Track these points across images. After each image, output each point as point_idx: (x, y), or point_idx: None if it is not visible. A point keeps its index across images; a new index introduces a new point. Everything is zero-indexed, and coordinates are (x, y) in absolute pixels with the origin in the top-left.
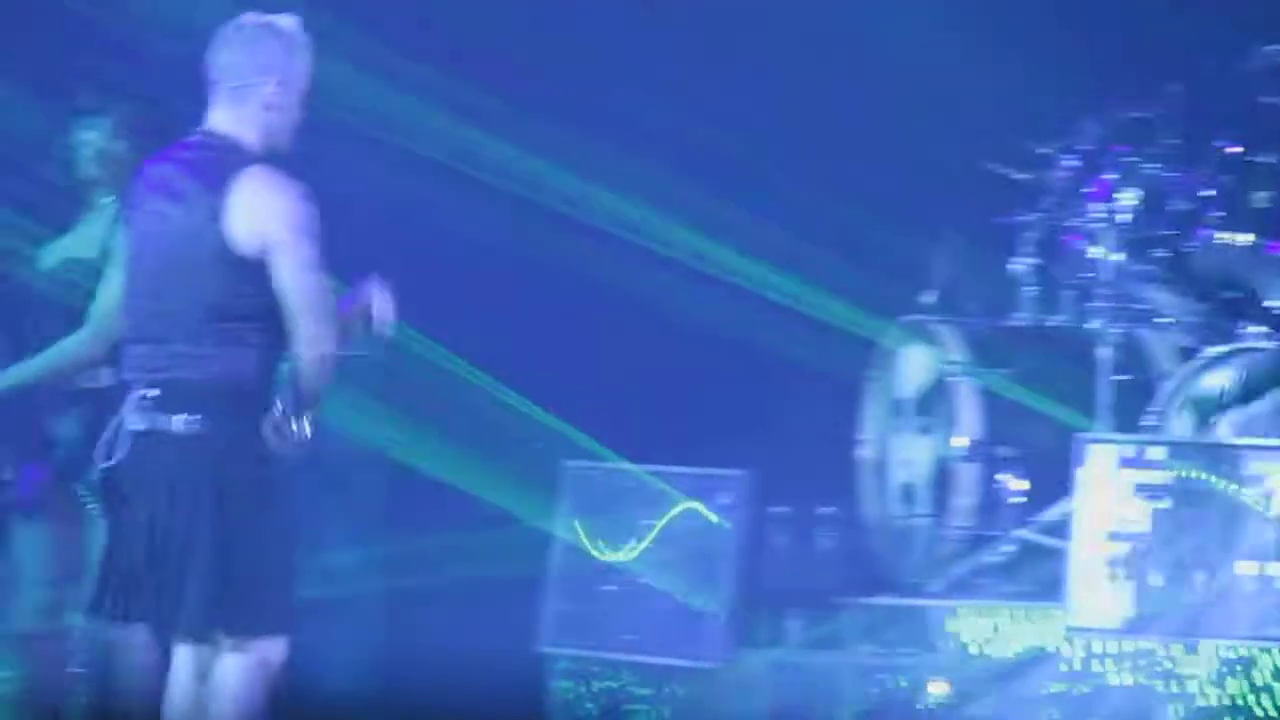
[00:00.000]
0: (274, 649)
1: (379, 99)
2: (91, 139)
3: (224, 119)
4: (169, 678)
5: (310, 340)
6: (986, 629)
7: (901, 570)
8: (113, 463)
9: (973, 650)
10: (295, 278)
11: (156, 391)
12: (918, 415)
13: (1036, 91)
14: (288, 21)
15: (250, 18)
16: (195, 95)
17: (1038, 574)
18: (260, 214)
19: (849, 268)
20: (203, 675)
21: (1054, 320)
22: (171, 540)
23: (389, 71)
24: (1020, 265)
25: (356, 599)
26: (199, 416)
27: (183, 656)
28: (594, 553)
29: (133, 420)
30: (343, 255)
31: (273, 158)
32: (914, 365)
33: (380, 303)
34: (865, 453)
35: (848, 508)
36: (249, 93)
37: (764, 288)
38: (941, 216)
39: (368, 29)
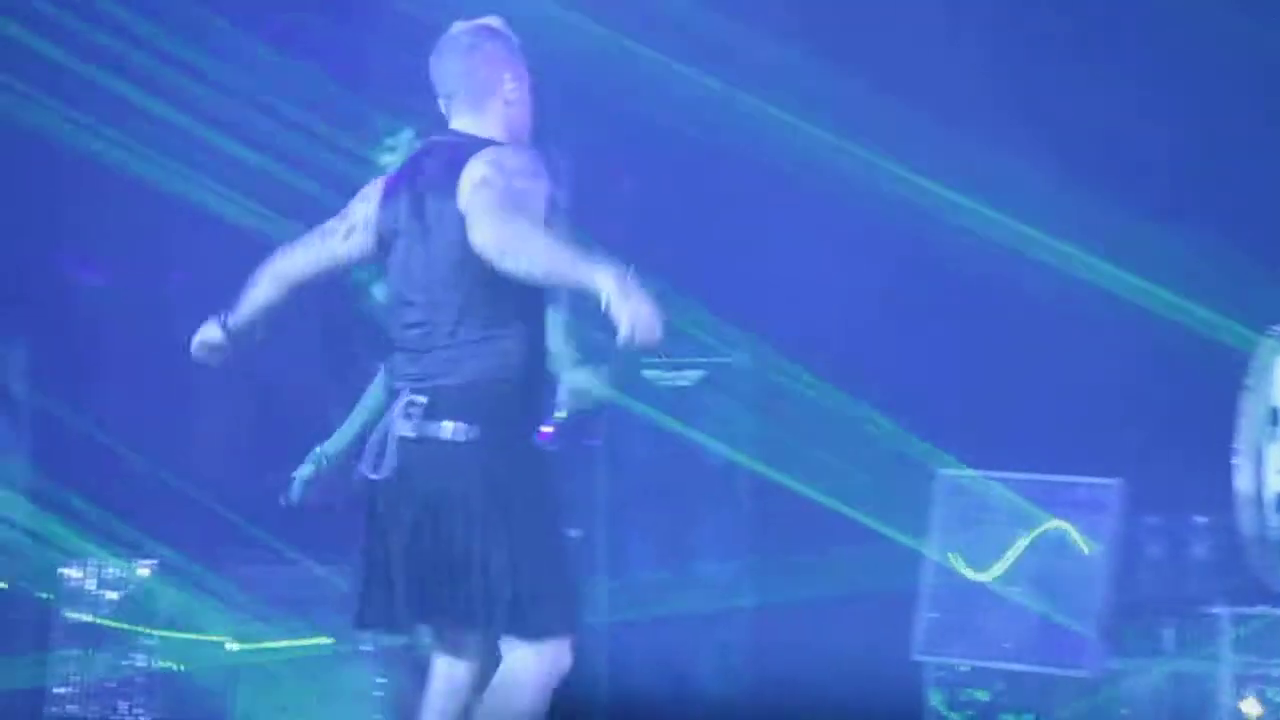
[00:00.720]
0: (564, 651)
1: (749, 109)
2: (393, 159)
3: (467, 123)
4: (432, 687)
5: (496, 242)
6: None
7: (1278, 580)
8: (383, 474)
9: None
10: (482, 207)
11: (424, 399)
12: None
13: None
14: (497, 22)
15: (463, 25)
16: None
17: None
18: (472, 177)
19: (1227, 276)
20: (466, 684)
21: None
22: (454, 548)
23: (770, 83)
24: None
25: (729, 611)
26: (466, 423)
27: (449, 666)
28: (962, 570)
29: (401, 428)
30: (709, 272)
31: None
32: None
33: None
34: (1241, 463)
35: (1223, 517)
36: (487, 93)
37: (1140, 296)
38: None
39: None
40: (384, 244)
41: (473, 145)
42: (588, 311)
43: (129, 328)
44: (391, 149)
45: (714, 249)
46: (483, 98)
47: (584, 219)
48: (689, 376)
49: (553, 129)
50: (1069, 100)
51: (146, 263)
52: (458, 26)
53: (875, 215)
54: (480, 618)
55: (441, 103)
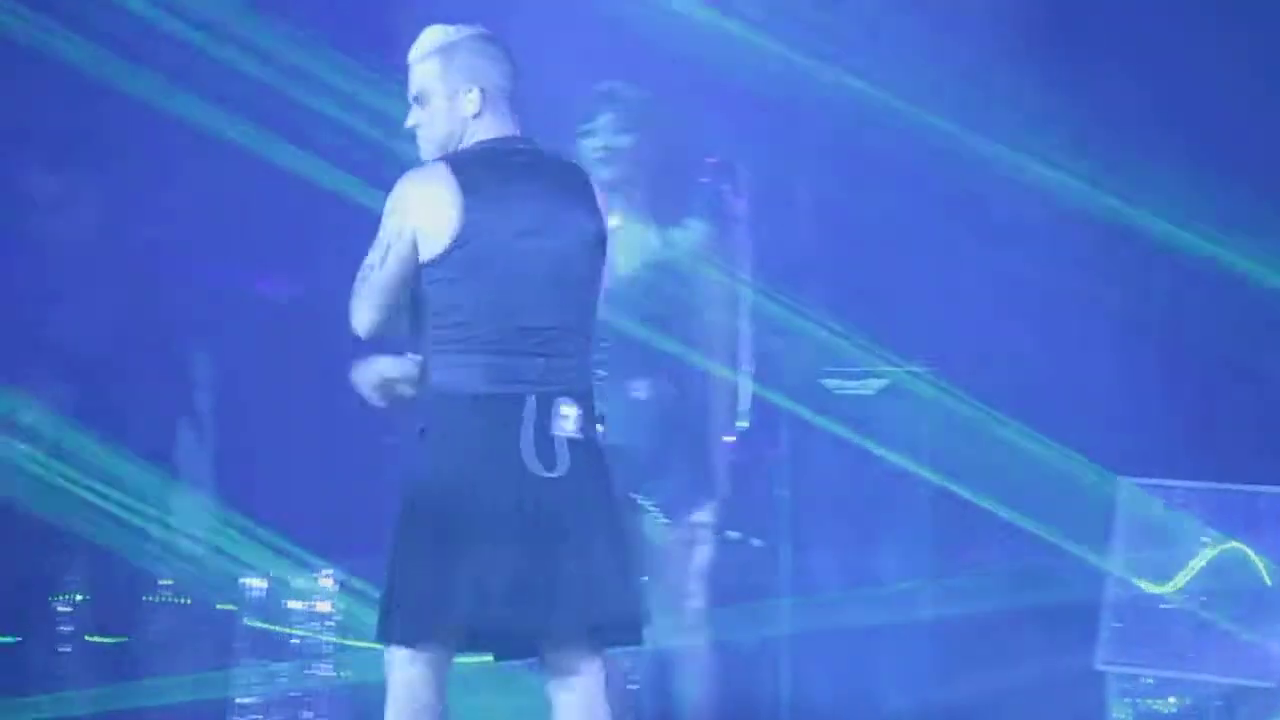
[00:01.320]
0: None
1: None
2: (594, 143)
3: (511, 126)
4: (417, 692)
5: None
6: None
7: None
8: (556, 474)
9: None
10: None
11: (572, 398)
12: None
13: None
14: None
15: (478, 30)
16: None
17: None
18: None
19: None
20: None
21: None
22: (591, 551)
23: (943, 96)
24: None
25: (910, 624)
26: (594, 426)
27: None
28: (1144, 581)
29: (566, 427)
30: (881, 283)
31: None
32: None
33: None
34: None
35: None
36: (512, 100)
37: None
38: None
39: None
40: (459, 243)
41: (571, 167)
42: None
43: (312, 339)
44: (590, 133)
45: (886, 260)
46: (512, 102)
47: (759, 229)
48: (870, 386)
49: (733, 140)
50: (1244, 104)
51: (334, 274)
52: (476, 30)
53: (1050, 226)
54: (610, 624)
55: (477, 93)
